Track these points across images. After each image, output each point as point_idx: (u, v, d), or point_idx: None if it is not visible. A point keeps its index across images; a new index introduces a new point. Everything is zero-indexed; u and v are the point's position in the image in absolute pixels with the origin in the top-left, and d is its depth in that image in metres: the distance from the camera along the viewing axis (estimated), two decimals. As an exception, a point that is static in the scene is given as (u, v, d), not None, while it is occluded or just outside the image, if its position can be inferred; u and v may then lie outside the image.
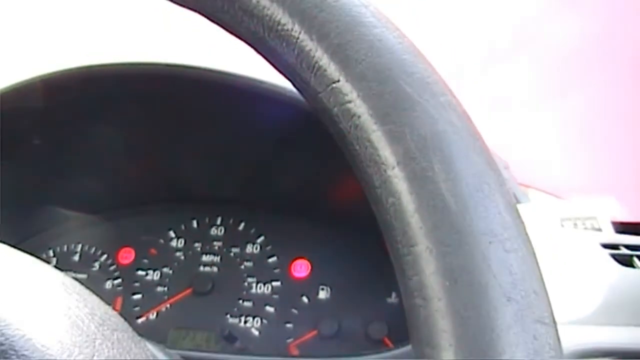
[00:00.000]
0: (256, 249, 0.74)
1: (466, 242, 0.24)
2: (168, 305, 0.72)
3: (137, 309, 0.72)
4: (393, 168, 0.25)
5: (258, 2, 0.29)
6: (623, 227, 0.69)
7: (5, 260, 0.32)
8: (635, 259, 0.63)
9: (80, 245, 0.77)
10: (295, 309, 0.70)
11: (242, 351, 0.67)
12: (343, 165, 0.65)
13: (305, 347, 0.68)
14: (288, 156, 0.70)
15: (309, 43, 0.28)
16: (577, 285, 0.59)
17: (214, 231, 0.75)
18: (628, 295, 0.59)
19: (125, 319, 0.33)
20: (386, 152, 0.26)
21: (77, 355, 0.28)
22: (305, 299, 0.70)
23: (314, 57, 0.28)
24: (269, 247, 0.73)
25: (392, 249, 0.26)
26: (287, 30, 0.28)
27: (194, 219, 0.76)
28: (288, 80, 0.31)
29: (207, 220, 0.76)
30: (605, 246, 0.63)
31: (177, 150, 0.73)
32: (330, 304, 0.70)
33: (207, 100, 0.66)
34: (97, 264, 0.75)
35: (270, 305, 0.70)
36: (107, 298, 0.72)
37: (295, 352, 0.68)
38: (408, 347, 0.58)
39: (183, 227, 0.76)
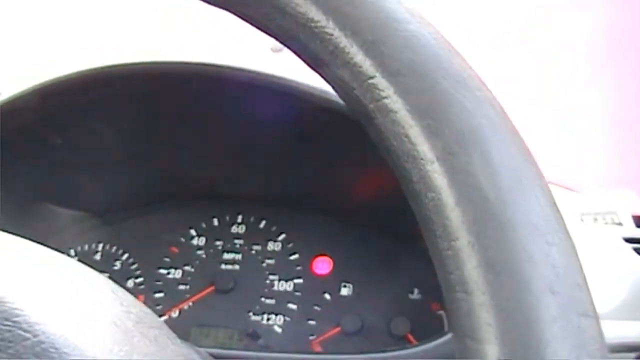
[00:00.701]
0: (277, 246, 0.74)
1: (508, 235, 0.24)
2: (190, 303, 0.72)
3: (159, 307, 0.72)
4: (432, 163, 0.25)
5: None
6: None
7: (40, 260, 0.32)
8: (659, 253, 0.63)
9: (101, 245, 0.77)
10: (318, 305, 0.70)
11: (265, 348, 0.67)
12: (364, 161, 0.66)
13: (328, 344, 0.68)
14: (308, 153, 0.70)
15: (343, 40, 0.28)
16: (601, 280, 0.59)
17: (234, 229, 0.75)
18: (653, 289, 0.59)
19: None
20: (425, 147, 0.26)
21: (117, 353, 0.28)
22: (327, 296, 0.70)
23: (348, 53, 0.28)
24: (290, 245, 0.74)
25: (431, 243, 0.26)
26: (321, 27, 0.28)
27: (214, 217, 0.76)
28: (320, 76, 0.31)
29: (227, 218, 0.76)
30: (628, 240, 0.63)
31: (197, 148, 0.73)
32: (353, 301, 0.70)
33: (226, 98, 0.66)
34: (118, 263, 0.76)
35: (293, 303, 0.71)
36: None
37: (318, 348, 0.68)
38: (432, 344, 0.58)
39: (204, 225, 0.76)
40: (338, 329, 0.68)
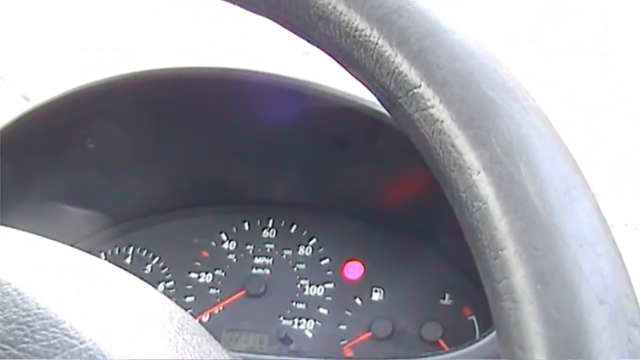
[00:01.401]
0: (308, 251, 0.74)
1: (556, 245, 0.24)
2: (221, 308, 0.73)
3: (189, 311, 0.73)
4: (479, 172, 0.26)
5: (335, 7, 0.29)
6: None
7: (80, 266, 0.33)
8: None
9: (132, 248, 0.77)
10: (349, 310, 0.70)
11: (296, 353, 0.67)
12: (396, 166, 0.66)
13: (359, 349, 0.68)
14: (339, 157, 0.70)
15: (388, 49, 0.28)
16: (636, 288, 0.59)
17: (265, 233, 0.76)
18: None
19: None
20: (471, 157, 0.26)
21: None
22: (358, 301, 0.70)
23: (393, 62, 0.28)
24: (321, 249, 0.74)
25: (477, 252, 0.26)
26: (366, 36, 0.29)
27: (245, 221, 0.77)
28: (364, 85, 0.31)
29: (258, 222, 0.76)
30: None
31: (228, 153, 0.74)
32: (384, 306, 0.70)
33: (258, 103, 0.67)
34: (149, 267, 0.76)
35: (324, 307, 0.71)
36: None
37: (350, 353, 0.68)
38: (464, 349, 0.58)
39: (234, 229, 0.76)
40: (369, 334, 0.68)
